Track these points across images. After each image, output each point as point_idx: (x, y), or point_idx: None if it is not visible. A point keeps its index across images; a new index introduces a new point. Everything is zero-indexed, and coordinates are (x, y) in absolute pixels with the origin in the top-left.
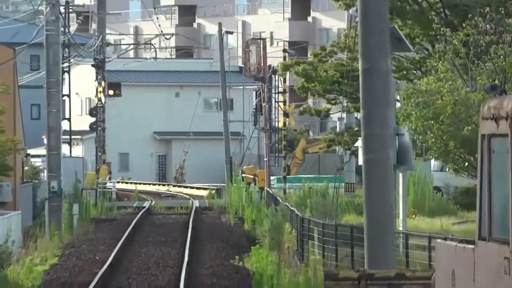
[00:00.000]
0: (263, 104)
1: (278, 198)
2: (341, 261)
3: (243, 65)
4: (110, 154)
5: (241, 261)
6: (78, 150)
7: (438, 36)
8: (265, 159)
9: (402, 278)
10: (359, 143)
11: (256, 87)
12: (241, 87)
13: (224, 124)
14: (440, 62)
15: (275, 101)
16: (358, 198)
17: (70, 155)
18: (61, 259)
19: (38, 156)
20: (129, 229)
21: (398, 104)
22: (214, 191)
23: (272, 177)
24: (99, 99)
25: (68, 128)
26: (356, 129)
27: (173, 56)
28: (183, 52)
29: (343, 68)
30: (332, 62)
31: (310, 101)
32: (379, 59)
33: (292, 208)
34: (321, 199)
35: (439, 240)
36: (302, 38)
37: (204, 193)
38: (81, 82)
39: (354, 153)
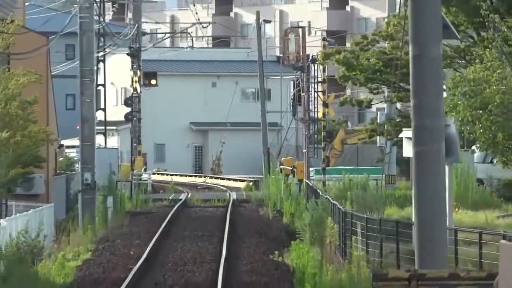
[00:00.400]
0: (302, 94)
1: (318, 190)
2: (385, 258)
3: (281, 54)
4: (145, 145)
5: (281, 257)
6: (113, 141)
7: (486, 23)
8: (304, 150)
9: (456, 279)
10: (404, 134)
11: (294, 77)
12: (279, 77)
13: (261, 114)
14: (487, 50)
15: (314, 91)
16: (399, 190)
17: (105, 146)
18: (95, 254)
19: (73, 147)
20: (164, 223)
21: (444, 94)
22: (251, 183)
23: (310, 169)
24: (135, 89)
25: (103, 119)
26: (398, 119)
27: (210, 46)
28: (220, 41)
29: (385, 57)
30: (374, 50)
31: (348, 91)
32: (430, 45)
33: (334, 202)
34: (362, 192)
35: (503, 241)
36: (340, 27)
37: (241, 185)
38: (117, 72)
39: (397, 144)
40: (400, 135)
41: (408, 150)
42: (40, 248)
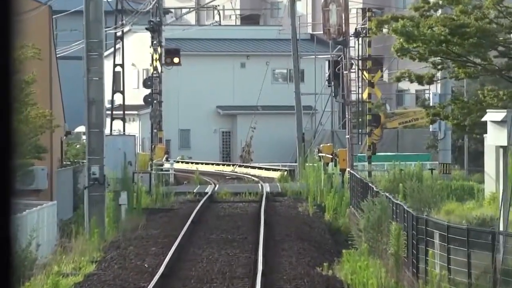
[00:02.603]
0: (344, 72)
1: (370, 185)
2: (476, 280)
3: (314, 32)
4: (169, 130)
5: (331, 269)
6: (134, 127)
7: None
8: (347, 136)
9: None
10: (489, 116)
11: (329, 56)
12: (313, 56)
13: (296, 96)
14: None
15: (359, 68)
16: (455, 181)
17: (124, 133)
18: (100, 267)
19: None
20: (187, 224)
21: None
22: (286, 173)
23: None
24: (155, 68)
25: (122, 102)
26: (465, 99)
27: (238, 23)
28: (248, 19)
29: (453, 24)
30: (439, 17)
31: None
32: None
33: (398, 202)
34: (417, 184)
35: None
36: (377, 2)
37: (274, 174)
38: (138, 52)
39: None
40: (484, 118)
41: (495, 137)
42: (32, 260)
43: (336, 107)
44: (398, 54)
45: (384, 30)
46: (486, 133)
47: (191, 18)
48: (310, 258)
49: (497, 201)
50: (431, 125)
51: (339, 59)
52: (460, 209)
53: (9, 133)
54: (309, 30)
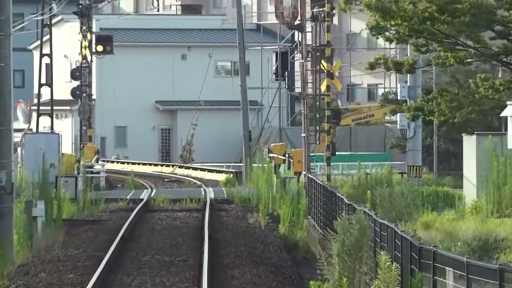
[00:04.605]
0: (300, 61)
1: (341, 196)
2: None
3: (260, 22)
4: (104, 127)
5: None
6: (66, 124)
7: None
8: (303, 134)
9: None
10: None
11: (276, 47)
12: (259, 47)
13: (241, 89)
14: None
15: (316, 58)
16: (427, 186)
17: (52, 131)
18: None
19: (19, 130)
20: (116, 240)
21: None
22: (232, 175)
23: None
24: (84, 57)
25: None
26: (456, 91)
27: (179, 13)
28: (190, 11)
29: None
30: None
31: None
32: None
33: (389, 225)
34: (388, 191)
35: None
36: None
37: (218, 177)
38: (71, 43)
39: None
40: (504, 113)
41: None
42: None
43: (284, 102)
44: (373, 33)
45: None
46: (480, 131)
47: (129, 7)
48: None
49: (480, 210)
50: (398, 122)
51: (292, 48)
52: (440, 221)
53: None
54: (255, 20)
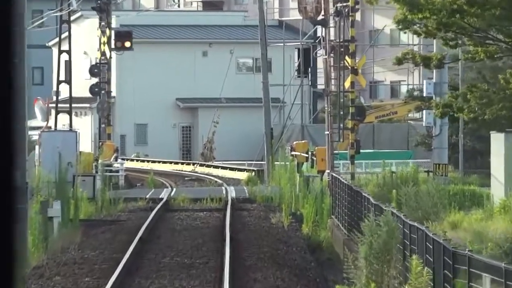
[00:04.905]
0: (323, 57)
1: (367, 196)
2: None
3: (298, 7)
4: (124, 125)
5: None
6: (85, 122)
7: None
8: (326, 132)
9: None
10: None
11: (299, 43)
12: (281, 44)
13: (263, 86)
14: None
15: (340, 53)
16: (453, 185)
17: (70, 129)
18: None
19: (37, 128)
20: (135, 241)
21: None
22: (254, 174)
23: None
24: (103, 53)
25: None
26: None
27: (200, 9)
28: (211, 7)
29: None
30: None
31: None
32: None
33: (419, 227)
34: (414, 190)
35: None
36: None
37: (240, 175)
38: (90, 39)
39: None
40: None
41: None
42: None
43: (307, 100)
44: (400, 27)
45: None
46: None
47: (149, 3)
48: None
49: (509, 210)
50: (424, 119)
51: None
52: (467, 220)
53: None
54: (277, 16)
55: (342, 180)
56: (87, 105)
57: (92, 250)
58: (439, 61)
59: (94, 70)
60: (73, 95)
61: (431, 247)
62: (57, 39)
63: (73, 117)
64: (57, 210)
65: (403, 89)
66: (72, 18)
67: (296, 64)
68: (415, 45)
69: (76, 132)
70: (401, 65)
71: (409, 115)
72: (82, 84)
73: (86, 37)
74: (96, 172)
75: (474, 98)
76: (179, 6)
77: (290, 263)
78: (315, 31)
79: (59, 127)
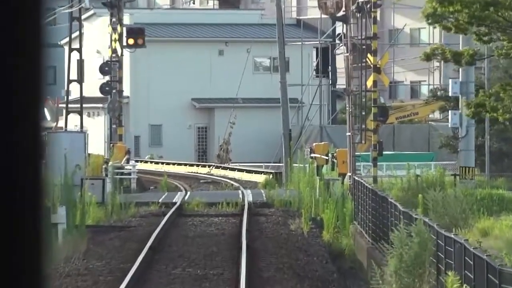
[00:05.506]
0: (344, 55)
1: (394, 202)
2: None
3: (301, 17)
4: (138, 126)
5: None
6: (99, 123)
7: None
8: (348, 133)
9: None
10: None
11: (317, 42)
12: (299, 43)
13: (281, 86)
14: None
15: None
16: (481, 189)
17: (81, 129)
18: None
19: (45, 129)
20: (144, 250)
21: None
22: (271, 176)
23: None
24: (114, 51)
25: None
26: None
27: (216, 7)
28: (228, 5)
29: None
30: None
31: None
32: None
33: (457, 239)
34: (442, 195)
35: None
36: None
37: (257, 178)
38: (103, 38)
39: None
40: None
41: None
42: None
43: (325, 100)
44: (429, 21)
45: None
46: None
47: (164, 1)
48: None
49: None
50: (449, 120)
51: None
52: (498, 227)
53: None
54: (294, 15)
55: (366, 184)
56: (100, 105)
57: (98, 259)
58: (471, 57)
59: (105, 69)
60: (86, 95)
61: (471, 262)
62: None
63: (86, 117)
64: (62, 216)
65: (423, 89)
66: (84, 16)
67: (315, 64)
68: (435, 44)
69: (84, 133)
70: (429, 61)
71: (430, 115)
72: (95, 84)
73: (99, 35)
74: (106, 175)
75: (509, 97)
76: (194, 3)
77: (311, 274)
78: (334, 30)
79: (71, 128)
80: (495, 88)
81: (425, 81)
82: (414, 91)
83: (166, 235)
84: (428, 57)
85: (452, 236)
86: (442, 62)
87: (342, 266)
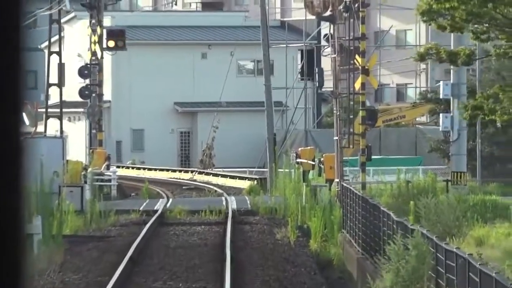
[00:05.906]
0: (331, 56)
1: (388, 212)
2: None
3: (304, 2)
4: (120, 131)
5: None
6: (79, 128)
7: None
8: (335, 137)
9: None
10: None
11: (301, 45)
12: (283, 45)
13: (266, 89)
14: None
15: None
16: (473, 195)
17: (61, 135)
18: None
19: (24, 134)
20: (124, 262)
21: None
22: (256, 182)
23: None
24: (93, 53)
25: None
26: None
27: (199, 9)
28: (211, 8)
29: None
30: None
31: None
32: None
33: (459, 253)
34: (434, 202)
35: None
36: None
37: (241, 184)
38: (85, 41)
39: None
40: None
41: None
42: None
43: (310, 103)
44: (424, 18)
45: None
46: None
47: (147, 4)
48: None
49: None
50: (440, 123)
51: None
52: (494, 236)
53: None
54: (278, 17)
55: (355, 191)
56: (81, 109)
57: (75, 272)
58: (467, 57)
59: (84, 72)
60: (67, 99)
61: (476, 279)
62: (52, 40)
63: (67, 122)
64: (37, 226)
65: (410, 92)
66: (65, 19)
67: (299, 66)
68: (422, 45)
69: (62, 138)
70: (423, 61)
71: (417, 119)
72: (76, 88)
73: (80, 38)
74: (85, 182)
75: (509, 98)
76: (176, 4)
77: (299, 286)
78: (319, 32)
79: (51, 133)
80: (493, 90)
81: (411, 83)
82: (400, 94)
83: (146, 245)
84: (422, 57)
85: (454, 250)
86: (429, 65)
87: (330, 276)
